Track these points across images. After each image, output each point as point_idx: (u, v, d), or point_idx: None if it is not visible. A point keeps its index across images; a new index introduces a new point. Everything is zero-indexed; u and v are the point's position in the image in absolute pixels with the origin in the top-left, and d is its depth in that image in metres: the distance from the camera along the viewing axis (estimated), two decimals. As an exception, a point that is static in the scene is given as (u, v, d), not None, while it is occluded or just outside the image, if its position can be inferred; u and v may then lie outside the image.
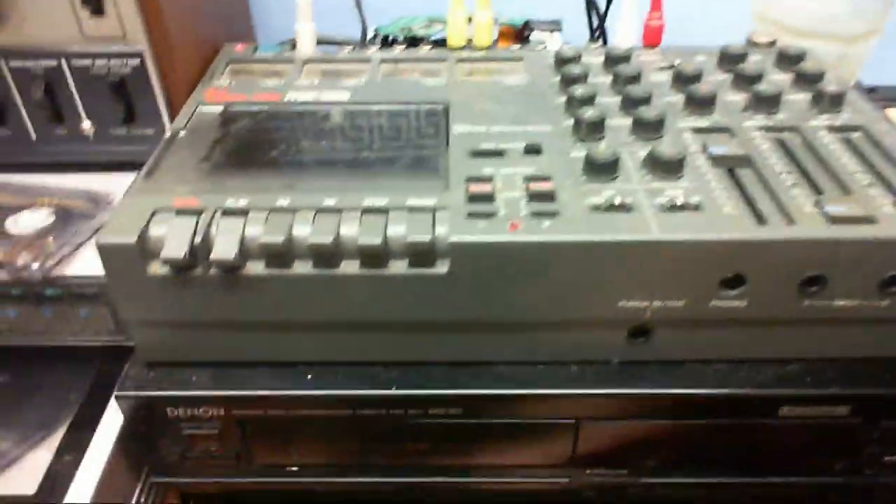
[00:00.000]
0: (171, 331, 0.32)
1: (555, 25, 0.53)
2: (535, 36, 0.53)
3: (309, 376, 0.32)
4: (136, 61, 0.39)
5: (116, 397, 0.32)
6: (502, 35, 0.52)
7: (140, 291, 0.30)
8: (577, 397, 0.31)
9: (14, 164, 0.42)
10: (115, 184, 0.41)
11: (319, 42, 0.56)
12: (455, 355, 0.33)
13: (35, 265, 0.34)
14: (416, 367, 0.33)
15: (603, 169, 0.32)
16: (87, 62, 0.39)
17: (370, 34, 0.55)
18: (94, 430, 0.34)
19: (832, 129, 0.36)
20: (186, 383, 0.32)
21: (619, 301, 0.30)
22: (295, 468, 0.33)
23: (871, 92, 0.44)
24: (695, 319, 0.31)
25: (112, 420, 0.35)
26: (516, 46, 0.47)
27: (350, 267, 0.30)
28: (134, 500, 0.35)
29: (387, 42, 0.52)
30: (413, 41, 0.52)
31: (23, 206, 0.38)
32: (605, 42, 0.49)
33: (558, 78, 0.41)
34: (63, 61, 0.38)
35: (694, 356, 0.33)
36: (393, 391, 0.32)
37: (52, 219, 0.37)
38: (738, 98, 0.39)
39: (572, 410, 0.32)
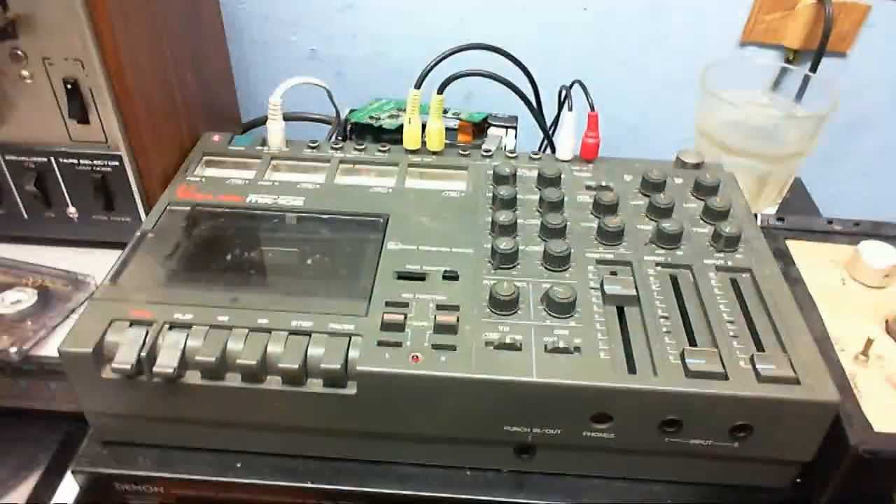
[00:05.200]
0: (123, 420, 0.37)
1: (512, 122, 0.57)
2: (492, 130, 0.57)
3: (238, 464, 0.38)
4: (115, 162, 0.44)
5: (73, 472, 0.38)
6: (462, 129, 0.57)
7: (95, 389, 0.35)
8: (468, 503, 0.36)
9: (7, 237, 0.48)
10: (94, 263, 0.46)
11: (297, 118, 0.61)
12: (365, 455, 0.38)
13: (13, 349, 0.39)
14: (332, 461, 0.38)
15: (503, 305, 0.37)
16: (73, 161, 0.44)
17: (345, 112, 0.59)
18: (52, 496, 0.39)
19: (722, 269, 0.40)
20: (134, 463, 0.37)
21: (504, 426, 0.35)
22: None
23: (779, 220, 0.47)
24: (571, 445, 0.35)
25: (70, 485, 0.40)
26: (462, 153, 0.50)
27: (274, 383, 0.35)
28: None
29: (355, 129, 0.57)
30: (379, 132, 0.56)
31: (11, 284, 0.44)
32: (552, 148, 0.53)
33: (492, 193, 0.46)
34: (52, 159, 0.44)
35: (573, 471, 0.37)
36: (308, 484, 0.37)
37: (34, 300, 0.43)
38: (647, 228, 0.43)
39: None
